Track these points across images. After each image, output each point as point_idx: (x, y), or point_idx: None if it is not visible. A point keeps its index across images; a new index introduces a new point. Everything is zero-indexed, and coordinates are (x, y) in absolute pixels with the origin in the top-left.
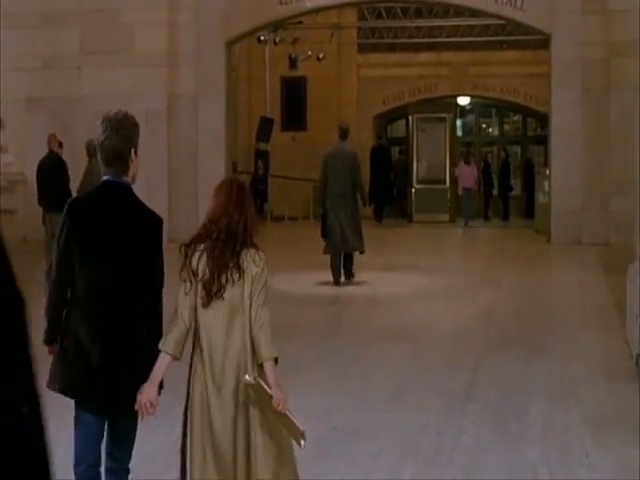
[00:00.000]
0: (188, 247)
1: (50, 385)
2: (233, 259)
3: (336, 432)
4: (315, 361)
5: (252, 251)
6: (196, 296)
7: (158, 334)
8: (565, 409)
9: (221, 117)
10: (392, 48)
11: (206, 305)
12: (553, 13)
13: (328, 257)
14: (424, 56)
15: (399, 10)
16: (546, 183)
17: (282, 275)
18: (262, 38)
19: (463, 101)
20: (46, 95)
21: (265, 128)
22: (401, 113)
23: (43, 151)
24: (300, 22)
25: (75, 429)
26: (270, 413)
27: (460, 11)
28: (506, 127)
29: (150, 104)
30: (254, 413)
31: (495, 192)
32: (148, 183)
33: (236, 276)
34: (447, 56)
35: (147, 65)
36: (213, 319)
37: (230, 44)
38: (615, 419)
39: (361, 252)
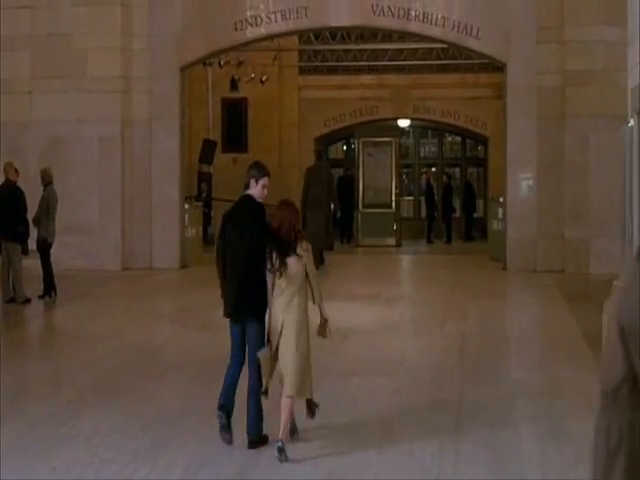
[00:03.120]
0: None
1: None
2: (293, 250)
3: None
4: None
5: (302, 242)
6: (275, 272)
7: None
8: (558, 448)
9: (175, 143)
10: (333, 70)
11: (280, 277)
12: (508, 42)
13: None
14: (365, 78)
15: (344, 33)
16: (500, 210)
17: None
18: (207, 60)
19: (403, 123)
20: None
21: (208, 150)
22: (342, 135)
23: None
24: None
25: (230, 335)
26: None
27: (402, 35)
28: (444, 149)
29: (103, 130)
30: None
31: (437, 214)
32: (101, 209)
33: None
34: (388, 78)
35: (100, 90)
36: (284, 284)
37: (184, 69)
38: None
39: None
